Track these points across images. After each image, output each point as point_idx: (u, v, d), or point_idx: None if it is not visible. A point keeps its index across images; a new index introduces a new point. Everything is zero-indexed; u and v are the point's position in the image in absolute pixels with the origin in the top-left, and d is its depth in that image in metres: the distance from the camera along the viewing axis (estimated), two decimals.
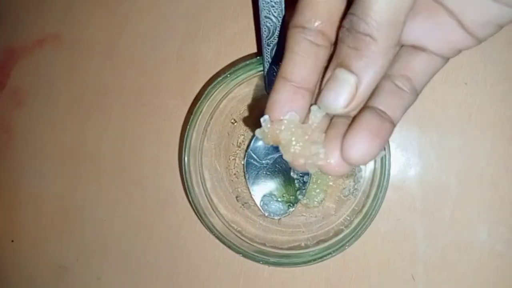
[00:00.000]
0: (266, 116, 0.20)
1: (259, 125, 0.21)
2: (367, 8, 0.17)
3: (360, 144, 0.19)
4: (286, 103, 0.20)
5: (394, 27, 0.18)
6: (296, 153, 0.20)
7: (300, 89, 0.20)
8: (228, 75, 0.30)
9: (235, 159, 0.36)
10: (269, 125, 0.20)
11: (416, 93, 0.21)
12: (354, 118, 0.20)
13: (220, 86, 0.31)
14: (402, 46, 0.21)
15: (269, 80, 0.29)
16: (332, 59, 0.20)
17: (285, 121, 0.20)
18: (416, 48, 0.21)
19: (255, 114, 0.35)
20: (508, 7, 0.18)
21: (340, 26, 0.20)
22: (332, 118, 0.21)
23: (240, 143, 0.36)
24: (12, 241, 0.42)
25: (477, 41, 0.20)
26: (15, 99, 0.43)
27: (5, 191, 0.43)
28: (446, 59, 0.21)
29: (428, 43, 0.21)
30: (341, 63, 0.19)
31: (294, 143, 0.20)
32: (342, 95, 0.18)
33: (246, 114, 0.35)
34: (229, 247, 0.31)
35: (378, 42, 0.18)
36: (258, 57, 0.30)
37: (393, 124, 0.20)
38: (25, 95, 0.43)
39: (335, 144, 0.19)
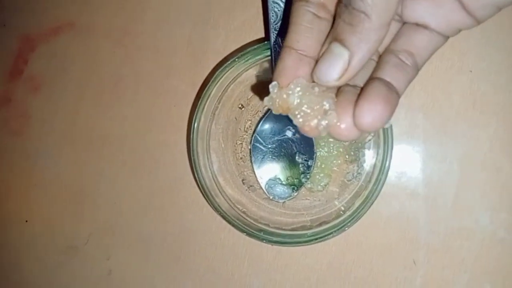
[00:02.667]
0: (274, 83, 0.21)
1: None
2: None
3: (373, 110, 0.19)
4: (292, 70, 0.21)
5: (388, 6, 0.19)
6: (307, 116, 0.20)
7: (305, 57, 0.21)
8: (237, 59, 0.31)
9: (241, 143, 0.37)
10: (276, 91, 0.21)
11: (417, 69, 0.22)
12: (363, 88, 0.21)
13: (228, 70, 0.32)
14: (404, 23, 0.22)
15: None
16: (330, 32, 0.21)
17: (292, 86, 0.20)
18: (419, 25, 0.22)
19: (262, 97, 0.36)
20: None
21: (339, 1, 0.21)
22: (339, 87, 0.22)
23: (247, 128, 0.37)
24: (26, 221, 0.44)
25: (476, 22, 0.21)
26: (32, 85, 0.44)
27: (21, 174, 0.44)
28: (447, 38, 0.22)
29: (430, 21, 0.21)
30: (337, 37, 0.20)
31: (305, 106, 0.20)
32: (336, 68, 0.19)
33: (253, 99, 0.36)
34: (234, 226, 0.32)
35: (371, 19, 0.19)
36: (266, 42, 0.31)
37: (399, 95, 0.21)
38: (41, 81, 0.44)
39: (347, 110, 0.20)
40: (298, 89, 0.20)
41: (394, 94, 0.20)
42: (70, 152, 0.43)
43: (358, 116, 0.19)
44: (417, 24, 0.22)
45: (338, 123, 0.20)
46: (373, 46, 0.19)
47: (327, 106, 0.20)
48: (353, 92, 0.21)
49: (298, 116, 0.21)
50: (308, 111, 0.20)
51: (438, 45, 0.22)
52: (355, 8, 0.19)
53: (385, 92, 0.20)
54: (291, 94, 0.20)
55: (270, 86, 0.21)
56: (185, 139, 0.39)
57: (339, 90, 0.21)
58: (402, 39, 0.22)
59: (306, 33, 0.21)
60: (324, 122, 0.20)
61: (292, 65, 0.21)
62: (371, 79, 0.21)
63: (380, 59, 0.22)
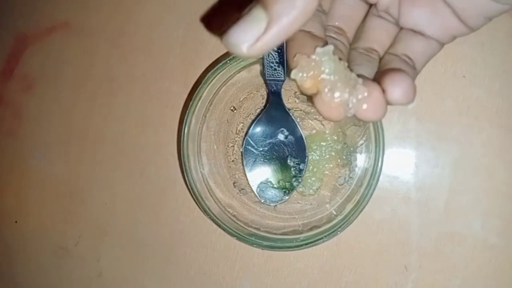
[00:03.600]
0: (298, 54, 0.19)
1: None
2: None
3: (404, 82, 0.19)
4: (308, 41, 0.20)
5: None
6: (336, 88, 0.18)
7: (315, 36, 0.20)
8: (229, 61, 0.31)
9: (233, 146, 0.37)
10: (303, 60, 0.18)
11: (416, 72, 0.22)
12: (385, 71, 0.20)
13: (220, 72, 0.32)
14: (402, 28, 0.23)
15: (268, 67, 0.30)
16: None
17: (319, 53, 0.18)
18: (415, 32, 0.22)
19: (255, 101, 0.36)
20: (494, 2, 0.20)
21: None
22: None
23: (239, 130, 0.36)
24: (16, 221, 0.43)
25: (470, 30, 0.22)
26: (24, 85, 0.44)
27: (12, 174, 0.44)
28: (442, 44, 0.23)
29: (425, 28, 0.22)
30: (262, 1, 0.17)
31: (335, 77, 0.18)
32: (250, 32, 0.17)
33: (246, 101, 0.36)
34: (224, 230, 0.32)
35: None
36: None
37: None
38: (34, 81, 0.44)
39: (374, 85, 0.19)
40: (326, 57, 0.18)
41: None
42: (62, 152, 0.42)
43: (391, 89, 0.19)
44: (413, 31, 0.22)
45: (369, 98, 0.19)
46: (294, 22, 0.17)
47: (355, 80, 0.18)
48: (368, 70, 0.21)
49: (326, 89, 0.18)
50: (339, 84, 0.18)
51: (435, 51, 0.23)
52: None
53: (406, 69, 0.20)
54: (322, 60, 0.18)
55: (297, 56, 0.19)
56: (176, 141, 0.39)
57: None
58: (399, 44, 0.23)
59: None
60: (355, 97, 0.18)
61: (305, 37, 0.20)
62: (385, 64, 0.21)
63: (383, 61, 0.22)
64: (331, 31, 0.23)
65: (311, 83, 0.19)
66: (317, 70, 0.18)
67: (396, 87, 0.19)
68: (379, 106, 0.19)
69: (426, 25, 0.22)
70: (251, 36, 0.17)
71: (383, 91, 0.19)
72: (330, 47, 0.19)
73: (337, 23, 0.24)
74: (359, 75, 0.19)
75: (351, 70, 0.19)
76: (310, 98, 0.24)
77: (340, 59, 0.19)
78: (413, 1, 0.21)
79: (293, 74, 0.19)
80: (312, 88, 0.19)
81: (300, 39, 0.20)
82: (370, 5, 0.24)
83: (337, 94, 0.18)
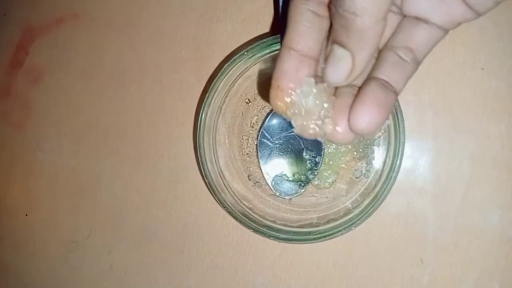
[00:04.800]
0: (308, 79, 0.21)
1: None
2: None
3: (367, 114, 0.20)
4: (293, 72, 0.20)
5: (379, 3, 0.18)
6: (305, 120, 0.21)
7: (306, 58, 0.20)
8: (245, 53, 0.31)
9: (248, 139, 0.36)
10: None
11: (418, 63, 0.22)
12: (359, 89, 0.21)
13: (237, 64, 0.31)
14: (404, 16, 0.22)
15: None
16: (330, 31, 0.21)
17: (305, 87, 0.20)
18: (419, 19, 0.22)
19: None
20: None
21: (330, 3, 0.20)
22: (337, 88, 0.22)
23: (253, 123, 0.36)
24: (26, 215, 0.43)
25: (477, 15, 0.21)
26: (32, 77, 0.44)
27: (21, 167, 0.43)
28: (447, 31, 0.22)
29: (431, 15, 0.21)
30: (336, 40, 0.20)
31: (302, 110, 0.20)
32: (342, 70, 0.20)
33: (260, 93, 0.35)
34: (240, 222, 0.31)
35: (363, 18, 0.18)
36: (275, 35, 0.30)
37: (396, 94, 0.21)
38: (42, 73, 0.43)
39: (343, 114, 0.20)
40: (314, 90, 0.20)
41: (390, 95, 0.20)
42: (72, 145, 0.42)
43: (353, 120, 0.20)
44: (417, 18, 0.22)
45: (335, 128, 0.20)
46: (372, 43, 0.19)
47: (323, 113, 0.20)
48: (351, 93, 0.21)
49: (298, 119, 0.21)
50: (305, 116, 0.20)
51: (438, 39, 0.22)
52: (345, 10, 0.18)
53: (379, 94, 0.20)
54: (303, 94, 0.20)
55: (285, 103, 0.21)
56: (189, 133, 0.38)
57: (337, 92, 0.22)
58: (401, 34, 0.22)
59: (306, 33, 0.20)
60: (321, 130, 0.20)
61: (293, 67, 0.20)
62: (369, 79, 0.21)
63: (379, 56, 0.22)
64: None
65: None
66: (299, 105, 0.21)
67: (359, 119, 0.20)
68: (344, 136, 0.21)
69: (431, 12, 0.21)
70: (345, 71, 0.20)
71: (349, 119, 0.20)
72: (311, 80, 0.20)
73: None
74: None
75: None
76: None
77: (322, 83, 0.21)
78: None
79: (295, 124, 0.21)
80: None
81: (287, 66, 0.21)
82: None
83: (305, 129, 0.21)
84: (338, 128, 0.20)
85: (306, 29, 0.20)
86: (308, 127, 0.21)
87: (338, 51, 0.19)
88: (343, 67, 0.20)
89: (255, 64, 0.32)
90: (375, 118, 0.20)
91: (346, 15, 0.18)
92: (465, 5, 0.20)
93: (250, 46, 0.31)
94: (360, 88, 0.21)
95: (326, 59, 0.20)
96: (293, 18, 0.21)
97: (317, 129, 0.20)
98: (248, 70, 0.33)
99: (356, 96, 0.20)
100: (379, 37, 0.19)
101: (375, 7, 0.18)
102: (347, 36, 0.19)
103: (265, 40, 0.30)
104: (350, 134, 0.20)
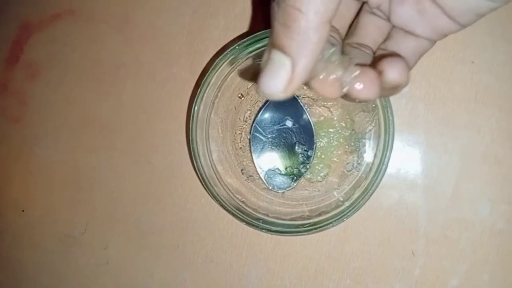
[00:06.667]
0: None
1: None
2: None
3: (400, 63, 0.20)
4: None
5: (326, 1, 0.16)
6: (331, 69, 0.19)
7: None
8: (237, 47, 0.31)
9: (241, 133, 0.36)
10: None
11: (409, 68, 0.22)
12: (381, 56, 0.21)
13: (229, 58, 0.31)
14: (394, 26, 0.23)
15: None
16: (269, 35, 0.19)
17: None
18: (406, 31, 0.22)
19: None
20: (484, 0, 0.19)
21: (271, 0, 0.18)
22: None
23: (246, 118, 0.36)
24: (23, 210, 0.43)
25: (461, 26, 0.21)
26: (29, 72, 0.44)
27: (18, 162, 0.44)
28: (434, 42, 0.22)
29: (414, 28, 0.22)
30: (274, 43, 0.17)
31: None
32: (279, 79, 0.17)
33: (253, 88, 0.36)
34: (232, 215, 0.32)
35: (308, 16, 0.16)
36: (267, 29, 0.30)
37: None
38: (39, 68, 0.43)
39: (367, 66, 0.20)
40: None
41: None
42: (68, 140, 0.42)
43: (388, 68, 0.19)
44: (403, 30, 0.22)
45: (362, 76, 0.19)
46: (315, 49, 0.17)
47: (349, 61, 0.19)
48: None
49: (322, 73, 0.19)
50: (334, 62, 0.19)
51: (425, 49, 0.23)
52: (289, 4, 0.16)
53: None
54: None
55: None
56: (183, 128, 0.38)
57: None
58: (391, 41, 0.23)
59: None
60: (348, 75, 0.19)
61: None
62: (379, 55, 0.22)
63: (376, 56, 0.23)
64: None
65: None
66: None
67: (392, 67, 0.19)
68: (372, 85, 0.19)
69: (414, 24, 0.21)
70: (283, 81, 0.17)
71: (380, 72, 0.19)
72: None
73: None
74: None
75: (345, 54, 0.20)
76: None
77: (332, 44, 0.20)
78: (402, 1, 0.21)
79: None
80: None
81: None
82: (363, 3, 0.24)
83: (331, 72, 0.19)
84: (367, 76, 0.19)
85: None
86: (336, 73, 0.19)
87: (276, 56, 0.17)
88: (281, 76, 0.17)
89: (247, 58, 0.32)
90: (406, 70, 0.20)
91: (289, 10, 0.16)
92: (447, 18, 0.20)
93: (242, 40, 0.31)
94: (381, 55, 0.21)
95: (261, 67, 0.18)
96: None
97: (346, 78, 0.19)
98: (240, 65, 0.33)
99: (379, 57, 0.20)
100: (322, 43, 0.17)
101: (323, 4, 0.16)
102: (288, 38, 0.17)
103: (256, 34, 0.30)
104: (375, 85, 0.19)
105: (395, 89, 0.20)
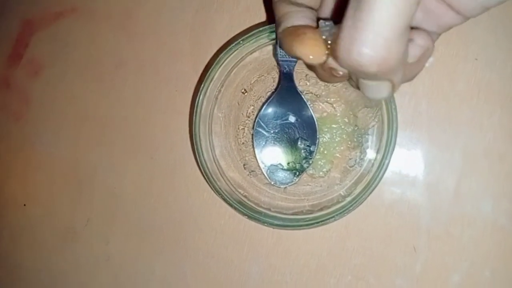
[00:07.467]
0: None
1: None
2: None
3: (424, 33, 0.20)
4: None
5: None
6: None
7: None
8: (241, 42, 0.31)
9: (244, 128, 0.37)
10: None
11: None
12: None
13: (232, 53, 0.31)
14: None
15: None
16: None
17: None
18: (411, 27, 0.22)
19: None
20: None
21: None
22: None
23: (249, 113, 0.36)
24: (25, 205, 0.43)
25: (465, 19, 0.22)
26: (31, 70, 0.44)
27: (20, 158, 0.44)
28: (438, 35, 0.23)
29: (421, 25, 0.22)
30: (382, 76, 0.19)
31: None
32: (384, 91, 0.20)
33: (256, 84, 0.36)
34: (235, 209, 0.32)
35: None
36: (270, 25, 0.30)
37: None
38: (41, 65, 0.44)
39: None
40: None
41: None
42: (70, 136, 0.42)
43: (415, 36, 0.20)
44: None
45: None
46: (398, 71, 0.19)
47: None
48: None
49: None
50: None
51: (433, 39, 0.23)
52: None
53: None
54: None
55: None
56: (186, 124, 0.39)
57: None
58: None
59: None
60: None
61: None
62: None
63: None
64: None
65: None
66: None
67: (418, 34, 0.20)
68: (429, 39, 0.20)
69: (421, 24, 0.22)
70: (389, 90, 0.20)
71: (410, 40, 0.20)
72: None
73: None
74: None
75: None
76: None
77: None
78: None
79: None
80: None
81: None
82: None
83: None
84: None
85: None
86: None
87: (380, 84, 0.20)
88: (385, 89, 0.20)
89: (251, 53, 0.32)
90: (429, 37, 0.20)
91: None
92: (453, 13, 0.21)
93: (246, 35, 0.31)
94: None
95: (363, 91, 0.21)
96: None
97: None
98: (244, 60, 0.33)
99: None
100: (405, 55, 0.19)
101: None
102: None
103: (260, 29, 0.30)
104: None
105: (421, 61, 0.21)
